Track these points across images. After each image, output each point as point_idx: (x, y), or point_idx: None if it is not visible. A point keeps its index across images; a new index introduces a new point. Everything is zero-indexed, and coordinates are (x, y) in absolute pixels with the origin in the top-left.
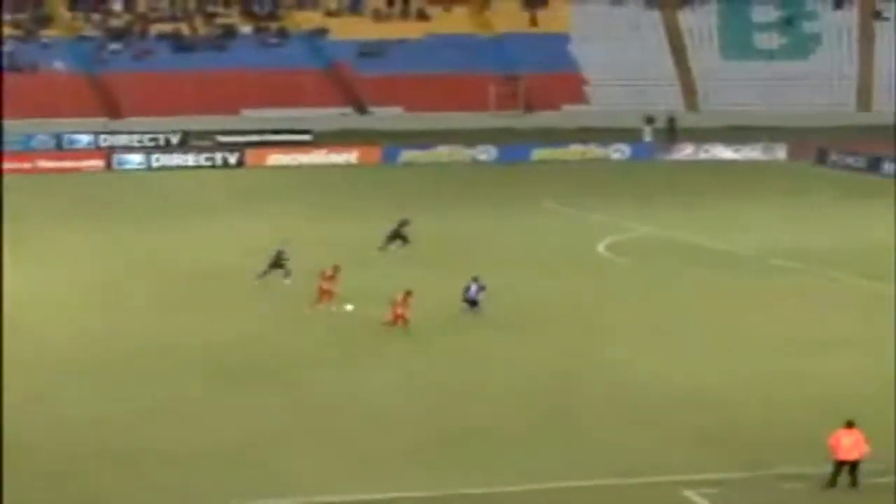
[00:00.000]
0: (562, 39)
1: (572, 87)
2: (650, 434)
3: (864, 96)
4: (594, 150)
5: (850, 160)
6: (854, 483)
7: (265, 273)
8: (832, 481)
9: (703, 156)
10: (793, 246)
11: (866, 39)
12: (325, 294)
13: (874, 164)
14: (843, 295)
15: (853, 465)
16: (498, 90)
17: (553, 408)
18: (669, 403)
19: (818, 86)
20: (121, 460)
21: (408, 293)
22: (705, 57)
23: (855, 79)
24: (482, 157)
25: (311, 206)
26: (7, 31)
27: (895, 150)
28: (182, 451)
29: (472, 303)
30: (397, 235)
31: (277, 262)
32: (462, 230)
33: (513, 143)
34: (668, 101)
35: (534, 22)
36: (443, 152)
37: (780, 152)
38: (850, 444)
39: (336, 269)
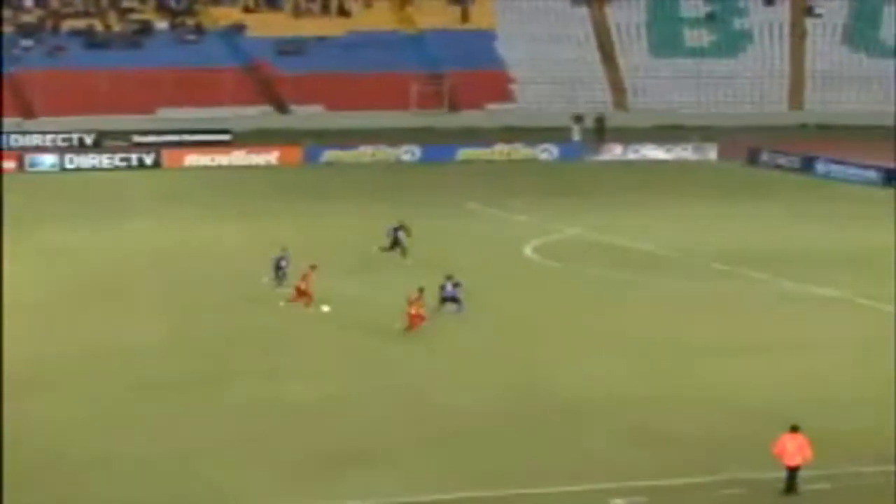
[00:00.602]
0: (487, 36)
1: (498, 86)
2: (576, 441)
3: (796, 95)
4: (521, 150)
5: (782, 160)
6: (792, 489)
7: (277, 280)
8: (788, 488)
9: (632, 156)
10: (724, 248)
11: (798, 36)
12: (301, 294)
13: (807, 164)
14: (774, 298)
15: (793, 471)
16: (421, 89)
17: (482, 414)
18: (598, 409)
19: (749, 84)
20: (52, 469)
21: (421, 291)
22: (634, 54)
23: (787, 77)
24: (406, 157)
25: (227, 208)
26: None
27: (828, 149)
28: (117, 461)
29: (453, 300)
30: (396, 242)
31: (278, 269)
32: (385, 232)
33: (437, 143)
34: (597, 99)
35: (458, 18)
36: (366, 152)
37: (711, 152)
38: (793, 449)
39: (312, 269)
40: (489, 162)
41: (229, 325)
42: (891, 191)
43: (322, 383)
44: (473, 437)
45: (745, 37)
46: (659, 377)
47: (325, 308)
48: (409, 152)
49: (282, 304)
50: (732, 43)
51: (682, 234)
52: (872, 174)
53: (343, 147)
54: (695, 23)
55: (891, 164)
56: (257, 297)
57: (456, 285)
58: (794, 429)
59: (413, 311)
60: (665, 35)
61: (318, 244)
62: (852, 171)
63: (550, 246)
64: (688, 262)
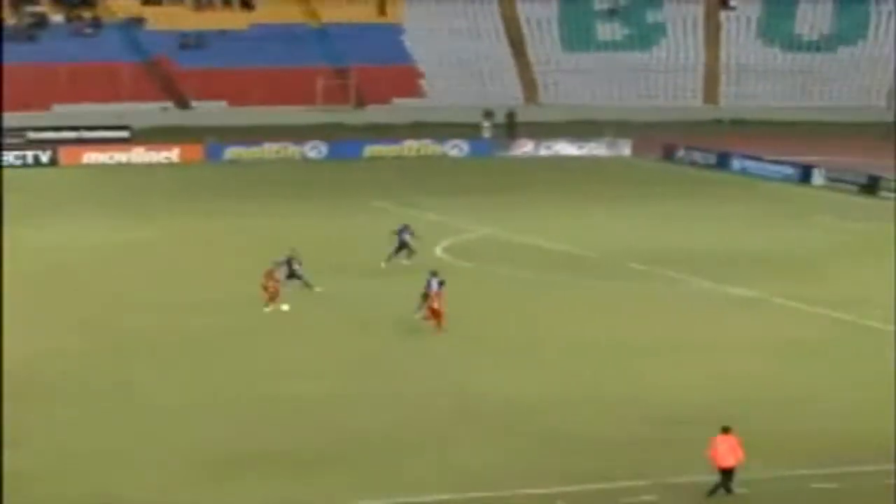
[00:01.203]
0: (394, 30)
1: (406, 81)
2: (491, 446)
3: (711, 89)
4: (430, 147)
5: (697, 156)
6: (728, 490)
7: (303, 282)
8: (714, 490)
9: (544, 152)
10: (641, 247)
11: (712, 29)
12: (268, 292)
13: (723, 161)
14: (692, 298)
15: (727, 472)
16: (327, 84)
17: (400, 420)
18: (513, 414)
19: (663, 78)
20: None
21: (441, 284)
22: (545, 48)
23: (701, 71)
24: (312, 153)
25: (125, 208)
26: None
27: (743, 145)
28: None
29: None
30: (403, 245)
31: (291, 272)
32: (290, 231)
33: (344, 140)
34: (508, 94)
35: (365, 11)
36: (270, 149)
37: (625, 148)
38: (725, 450)
39: (275, 266)
40: (398, 159)
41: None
42: (807, 188)
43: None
44: (385, 445)
45: (659, 30)
46: (575, 380)
47: (285, 307)
48: (315, 149)
49: (266, 310)
50: (645, 36)
51: (597, 232)
52: (789, 170)
53: (247, 144)
54: (607, 16)
55: (807, 160)
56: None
57: (441, 283)
58: (726, 430)
59: (435, 306)
60: (576, 29)
61: (227, 246)
62: (769, 167)
63: (462, 246)
64: (604, 262)
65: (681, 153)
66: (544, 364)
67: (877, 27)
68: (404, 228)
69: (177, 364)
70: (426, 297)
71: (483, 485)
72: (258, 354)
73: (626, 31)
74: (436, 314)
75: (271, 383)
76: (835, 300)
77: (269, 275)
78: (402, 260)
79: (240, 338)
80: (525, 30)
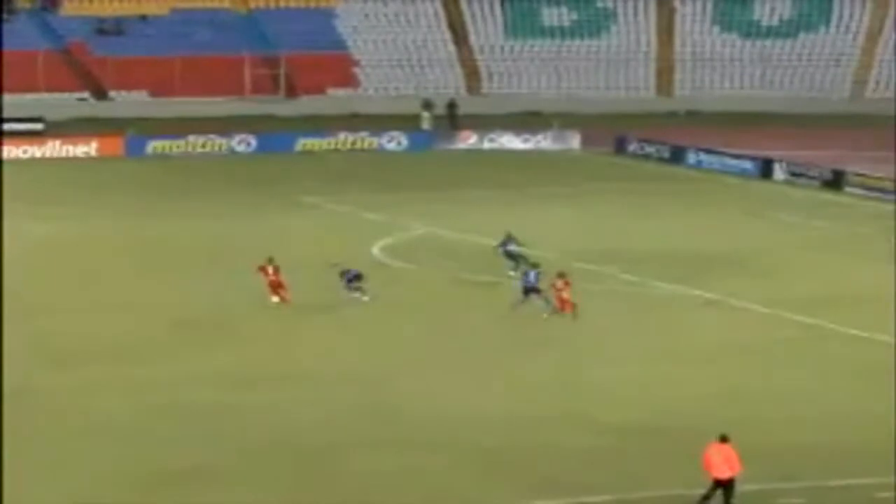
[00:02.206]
0: (326, 14)
1: (340, 69)
2: (429, 467)
3: (665, 79)
4: (366, 140)
5: (650, 150)
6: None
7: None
8: (703, 499)
9: (488, 145)
10: (590, 246)
11: (666, 15)
12: (277, 287)
13: (677, 154)
14: (646, 301)
15: (726, 485)
16: (255, 72)
17: (328, 432)
18: (452, 431)
19: (614, 67)
20: None
21: (560, 275)
22: (488, 35)
23: (654, 59)
24: (240, 147)
25: (37, 206)
26: None
27: (699, 138)
28: None
29: (535, 290)
30: (512, 256)
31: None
32: (216, 230)
33: (274, 132)
34: (448, 84)
35: None
36: (195, 142)
37: (574, 141)
38: (720, 461)
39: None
40: (331, 152)
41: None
42: (767, 183)
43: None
44: (309, 457)
45: (609, 16)
46: (525, 391)
47: (276, 299)
48: (243, 142)
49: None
50: (595, 22)
51: (544, 230)
52: (748, 165)
53: (170, 137)
54: (554, 1)
55: (768, 154)
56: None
57: (539, 273)
58: (723, 439)
59: (565, 296)
60: (521, 13)
61: (156, 246)
62: (726, 161)
63: (400, 245)
64: (552, 263)
65: (633, 146)
66: (491, 376)
67: (840, 12)
68: (508, 240)
69: (91, 371)
70: (530, 291)
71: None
72: (179, 361)
73: (575, 17)
74: (567, 304)
75: (198, 392)
76: (799, 302)
77: (263, 268)
78: (509, 272)
79: (155, 345)
80: (466, 14)
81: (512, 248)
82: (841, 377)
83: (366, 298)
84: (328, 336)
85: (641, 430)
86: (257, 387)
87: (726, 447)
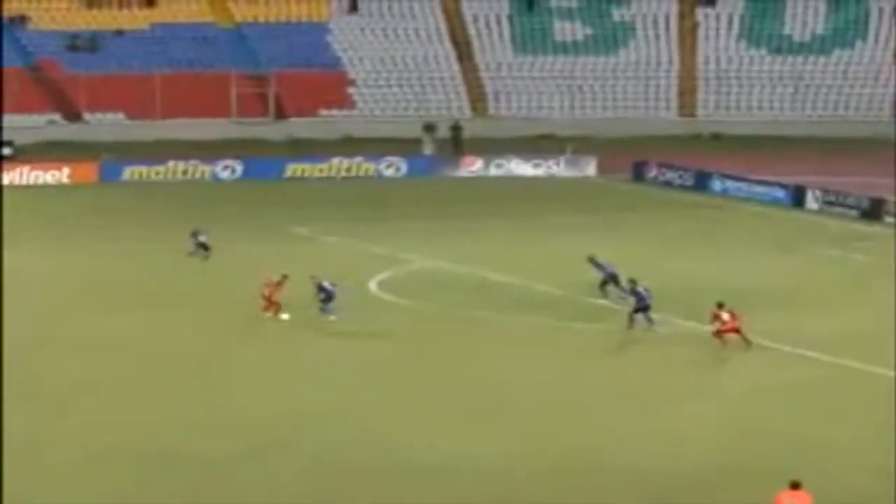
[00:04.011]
0: (319, 29)
1: (333, 89)
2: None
3: (687, 100)
4: (362, 165)
5: (672, 176)
6: None
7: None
8: None
9: (495, 171)
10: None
11: (688, 29)
12: (270, 303)
13: (702, 181)
14: (662, 339)
15: None
16: (242, 92)
17: (311, 476)
18: (450, 477)
19: (632, 86)
20: None
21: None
22: (495, 51)
23: (676, 78)
24: (224, 174)
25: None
26: None
27: (725, 163)
28: None
29: None
30: (612, 279)
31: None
32: (197, 264)
33: (262, 157)
34: (452, 104)
35: (284, 9)
36: (175, 168)
37: (589, 167)
38: None
39: (284, 278)
40: (324, 179)
41: None
42: (800, 212)
43: None
44: None
45: (627, 30)
46: (531, 439)
47: (285, 316)
48: (228, 168)
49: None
50: (611, 37)
51: (556, 264)
52: (779, 192)
53: (148, 163)
54: (566, 14)
55: (800, 180)
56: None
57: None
58: (795, 485)
59: (736, 325)
60: (531, 28)
61: (127, 280)
62: (755, 188)
63: (400, 280)
64: (565, 299)
65: (653, 172)
66: (501, 420)
67: (878, 26)
68: (609, 271)
69: (61, 410)
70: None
71: None
72: (146, 402)
73: (589, 31)
74: (736, 331)
75: (161, 436)
76: (833, 342)
77: (276, 284)
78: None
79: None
80: (471, 29)
81: (609, 270)
82: (883, 428)
83: (333, 318)
84: (306, 376)
85: (675, 484)
86: (233, 432)
87: (802, 494)
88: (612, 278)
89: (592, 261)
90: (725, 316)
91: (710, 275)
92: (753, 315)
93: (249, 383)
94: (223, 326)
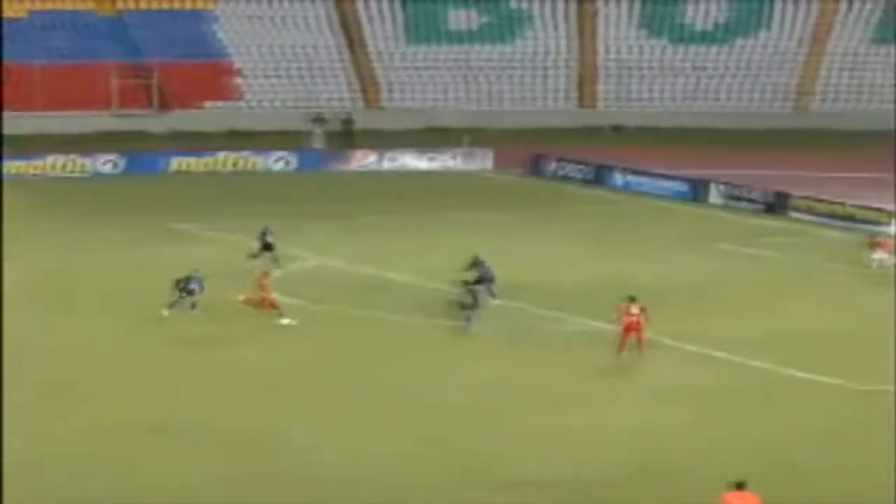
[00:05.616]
0: (203, 18)
1: (219, 79)
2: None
3: (587, 91)
4: (249, 160)
5: (572, 169)
6: None
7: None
8: None
9: (388, 165)
10: (502, 278)
11: (587, 18)
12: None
13: (602, 175)
14: (571, 339)
15: None
16: (123, 83)
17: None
18: (355, 488)
19: (530, 77)
20: None
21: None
22: (387, 39)
23: (575, 68)
24: (105, 168)
25: None
26: None
27: (626, 156)
28: None
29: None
30: None
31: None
32: (74, 265)
33: (144, 151)
34: (343, 95)
35: None
36: (54, 163)
37: (486, 160)
38: None
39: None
40: (210, 174)
41: None
42: (703, 206)
43: None
44: None
45: (523, 19)
46: (427, 442)
47: (286, 321)
48: (109, 163)
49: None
50: (507, 26)
51: (452, 261)
52: (681, 186)
53: (25, 157)
54: (461, 1)
55: (702, 174)
56: None
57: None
58: (740, 486)
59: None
60: (424, 15)
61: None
62: (657, 182)
63: (290, 279)
64: (454, 296)
65: (552, 166)
66: (396, 422)
67: (781, 15)
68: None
69: None
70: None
71: None
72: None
73: (484, 20)
74: (630, 326)
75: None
76: (737, 342)
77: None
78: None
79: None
80: (362, 16)
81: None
82: (794, 428)
83: (195, 312)
84: (209, 382)
85: (580, 484)
86: (130, 439)
87: (747, 496)
88: (486, 280)
89: (476, 261)
90: (635, 310)
91: (612, 272)
92: (658, 314)
93: (131, 392)
94: (105, 333)
